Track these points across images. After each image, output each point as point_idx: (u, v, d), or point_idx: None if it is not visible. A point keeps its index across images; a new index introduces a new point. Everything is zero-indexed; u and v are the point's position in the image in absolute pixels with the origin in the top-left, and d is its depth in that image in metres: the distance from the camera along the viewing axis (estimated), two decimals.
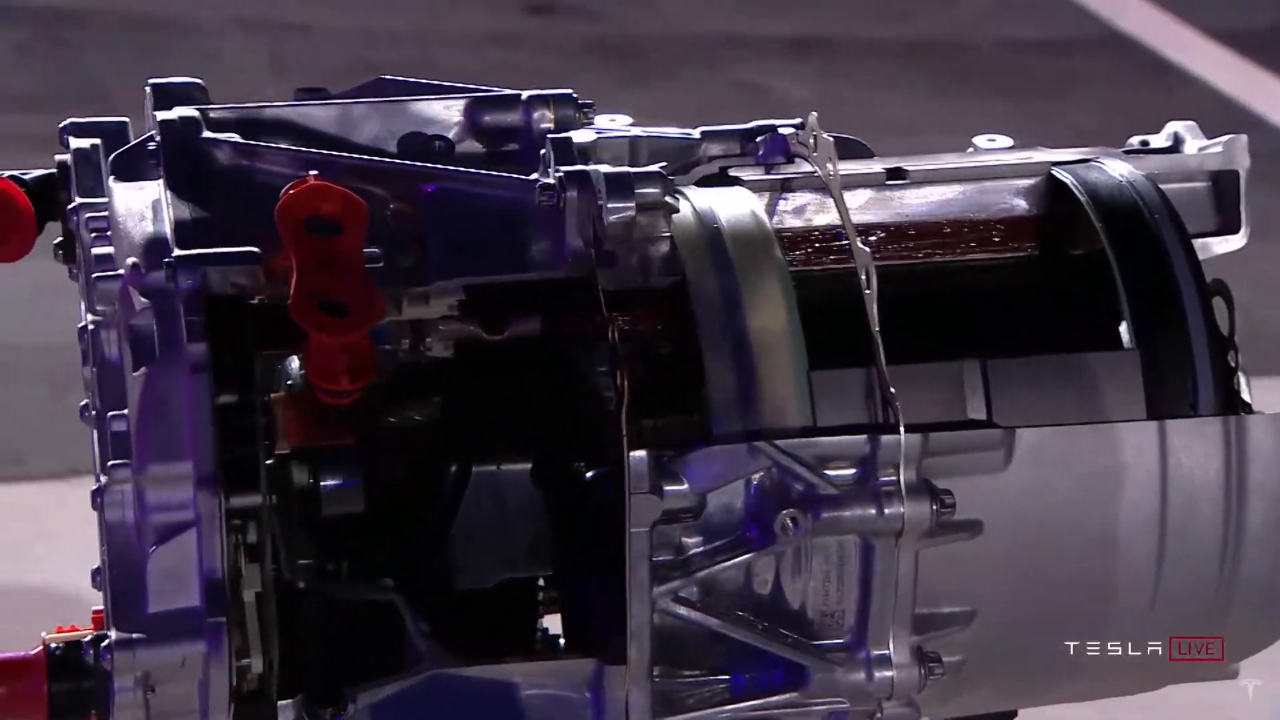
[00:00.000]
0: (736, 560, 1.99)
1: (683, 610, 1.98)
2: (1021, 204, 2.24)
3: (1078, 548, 2.05)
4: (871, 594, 2.01)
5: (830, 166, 2.11)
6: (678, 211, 2.06)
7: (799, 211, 2.18)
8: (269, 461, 2.05)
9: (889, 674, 2.03)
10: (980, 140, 2.37)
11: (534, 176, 2.05)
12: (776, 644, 2.01)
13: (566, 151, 2.06)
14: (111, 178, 2.04)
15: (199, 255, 1.93)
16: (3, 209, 2.13)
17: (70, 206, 2.09)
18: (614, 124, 2.23)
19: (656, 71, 7.42)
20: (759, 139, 2.24)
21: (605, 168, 2.02)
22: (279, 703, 1.92)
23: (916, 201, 2.23)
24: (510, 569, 2.13)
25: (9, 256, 2.16)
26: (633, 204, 2.00)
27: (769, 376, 2.01)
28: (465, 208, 2.05)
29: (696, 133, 2.24)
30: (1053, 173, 2.23)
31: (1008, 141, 2.36)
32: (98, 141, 2.13)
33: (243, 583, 1.91)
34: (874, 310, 2.01)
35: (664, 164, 2.10)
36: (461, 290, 2.03)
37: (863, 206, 2.21)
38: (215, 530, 1.86)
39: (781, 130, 2.23)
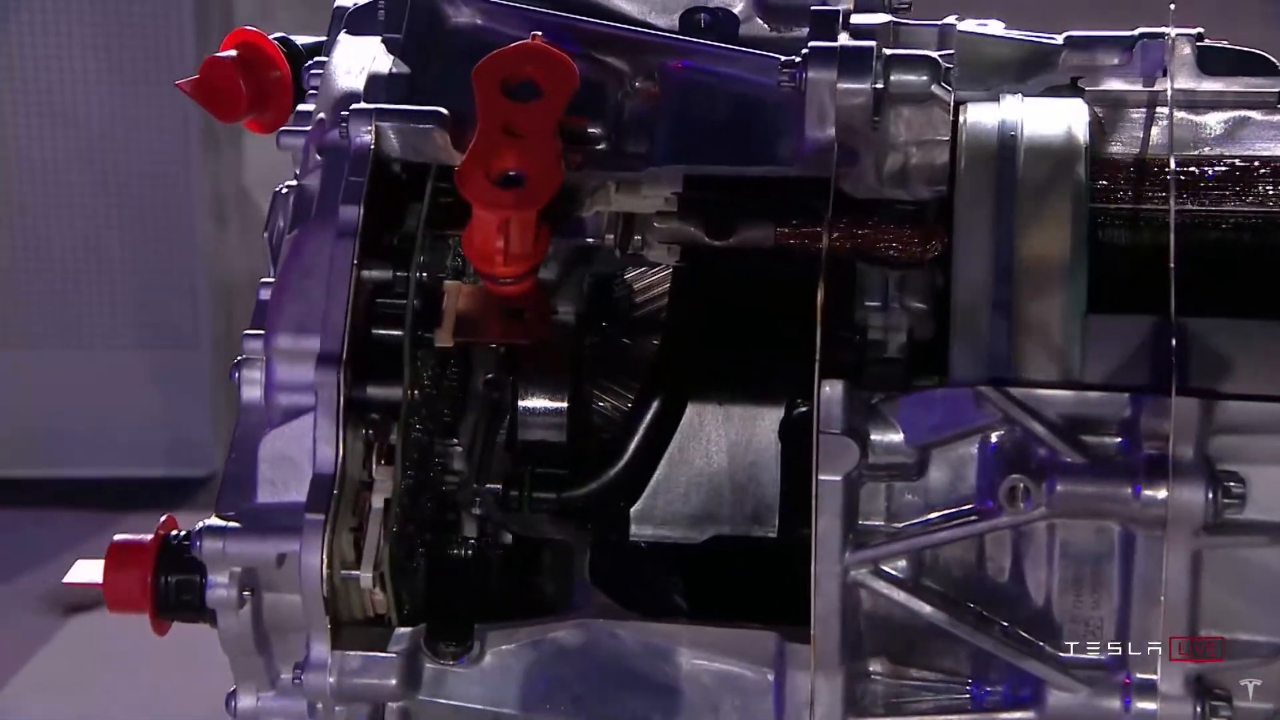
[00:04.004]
0: (954, 533, 1.60)
1: (883, 586, 1.61)
2: None
3: None
4: (1132, 600, 1.58)
5: (1169, 77, 1.69)
6: (946, 105, 1.68)
7: (1158, 135, 1.75)
8: (489, 376, 1.80)
9: (1151, 707, 1.58)
10: None
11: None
12: (1005, 647, 1.60)
13: (828, 27, 1.70)
14: (344, 31, 1.82)
15: (375, 109, 1.69)
16: (256, 71, 1.95)
17: (306, 65, 1.89)
18: (982, 28, 1.86)
19: None
20: (1135, 49, 1.82)
21: (854, 43, 1.67)
22: (396, 630, 1.65)
23: None
24: (725, 525, 1.79)
25: (268, 125, 1.98)
26: (868, 84, 1.64)
27: (1032, 316, 1.61)
28: (706, 89, 1.73)
29: (1060, 38, 1.84)
30: None
31: None
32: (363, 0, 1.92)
33: (374, 488, 1.65)
34: (1173, 245, 1.58)
35: (949, 52, 1.72)
36: (680, 181, 1.71)
37: (1252, 135, 1.75)
38: (331, 417, 1.62)
39: (1170, 38, 1.80)
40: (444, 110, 1.69)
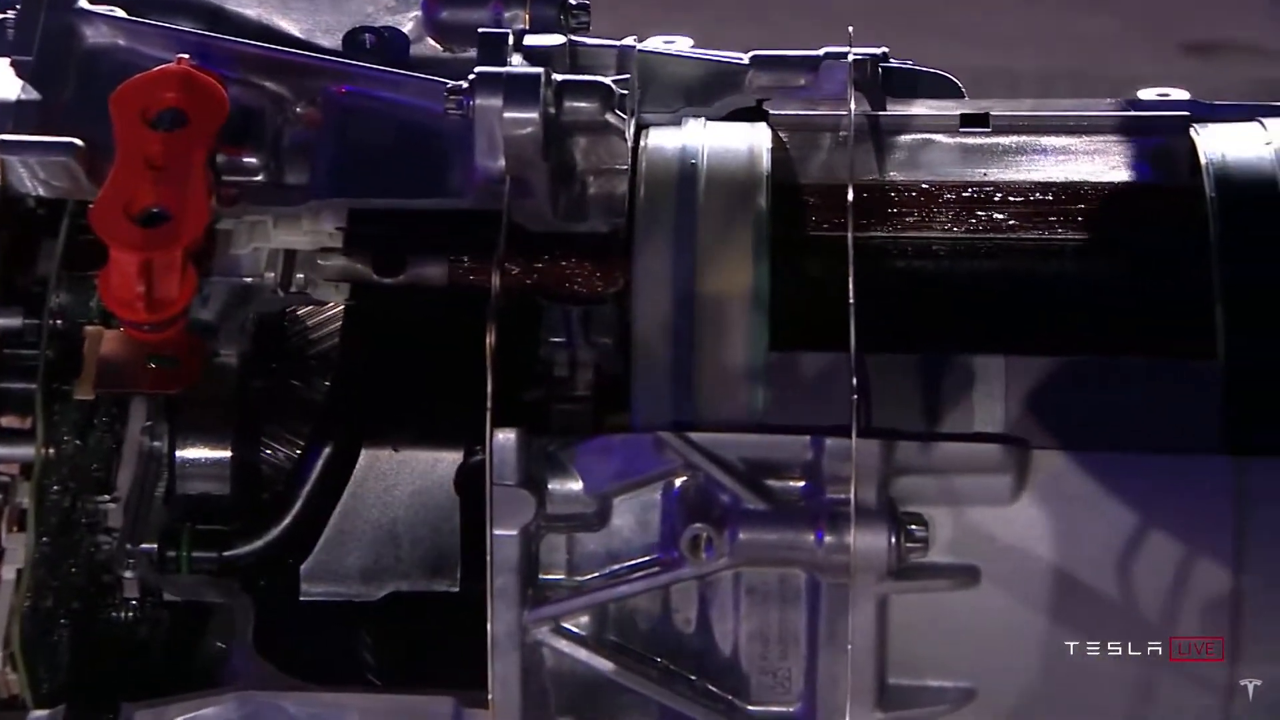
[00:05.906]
0: (636, 586, 1.52)
1: (564, 645, 1.52)
2: (1144, 170, 1.69)
3: (1113, 612, 1.51)
4: (819, 649, 1.51)
5: (850, 100, 1.63)
6: (622, 133, 1.60)
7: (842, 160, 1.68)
8: (146, 424, 1.67)
9: None
10: (1147, 94, 1.80)
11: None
12: (691, 703, 1.53)
13: (497, 50, 1.61)
14: None
15: None
16: None
17: None
18: (668, 46, 1.78)
19: None
20: (819, 70, 1.75)
21: (522, 69, 1.58)
22: (33, 713, 1.52)
23: (1010, 157, 1.70)
24: (404, 580, 1.69)
25: None
26: (536, 112, 1.55)
27: (714, 353, 1.54)
28: (371, 115, 1.63)
29: (745, 58, 1.76)
30: (1191, 132, 1.68)
31: (1183, 95, 1.79)
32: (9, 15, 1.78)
33: (3, 558, 1.52)
34: (851, 276, 1.52)
35: (625, 76, 1.64)
36: (344, 215, 1.61)
37: (936, 159, 1.69)
38: None
39: (853, 58, 1.72)
40: (78, 141, 1.57)
